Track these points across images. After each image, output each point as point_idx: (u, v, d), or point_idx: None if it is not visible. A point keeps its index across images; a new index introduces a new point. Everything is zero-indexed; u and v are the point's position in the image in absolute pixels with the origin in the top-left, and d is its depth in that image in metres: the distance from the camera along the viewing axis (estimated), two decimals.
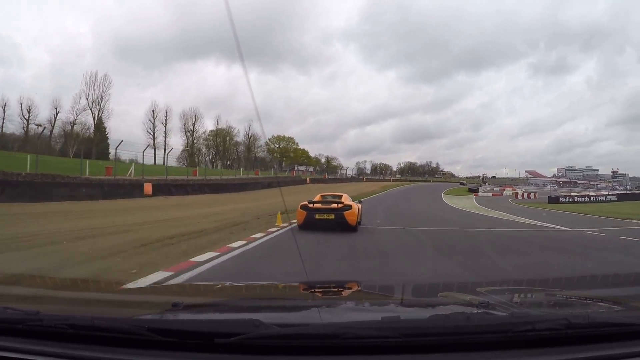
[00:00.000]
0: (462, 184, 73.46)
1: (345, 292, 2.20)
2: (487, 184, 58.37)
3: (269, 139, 78.20)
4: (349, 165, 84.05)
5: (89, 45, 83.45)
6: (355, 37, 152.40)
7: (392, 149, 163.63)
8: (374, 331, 1.07)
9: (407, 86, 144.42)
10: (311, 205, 10.09)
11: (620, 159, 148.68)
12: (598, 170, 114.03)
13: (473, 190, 50.79)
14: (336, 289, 2.27)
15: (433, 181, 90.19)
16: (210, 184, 32.14)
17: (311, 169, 75.93)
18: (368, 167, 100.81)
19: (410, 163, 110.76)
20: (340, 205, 10.15)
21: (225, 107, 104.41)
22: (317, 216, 9.91)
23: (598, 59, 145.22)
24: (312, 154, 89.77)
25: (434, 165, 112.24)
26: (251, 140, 71.98)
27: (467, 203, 31.54)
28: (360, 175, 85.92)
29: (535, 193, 48.20)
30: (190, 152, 65.10)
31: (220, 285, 2.36)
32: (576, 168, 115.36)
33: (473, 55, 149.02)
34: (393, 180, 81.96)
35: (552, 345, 1.07)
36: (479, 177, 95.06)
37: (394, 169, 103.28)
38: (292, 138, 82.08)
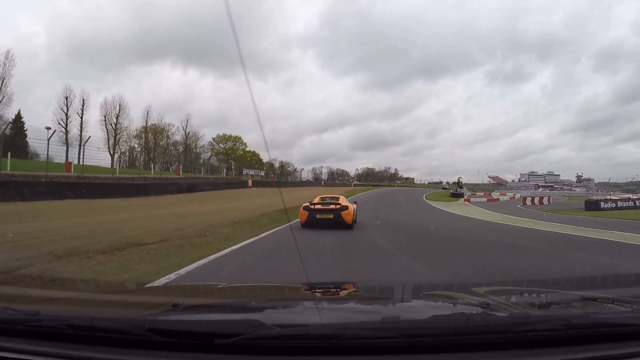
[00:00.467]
0: (445, 188, 70.13)
1: (345, 293, 2.20)
2: (464, 188, 53.95)
3: (213, 138, 67.50)
4: (305, 169, 77.04)
5: (42, 45, 77.52)
6: (313, 43, 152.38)
7: (348, 156, 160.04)
8: (374, 331, 1.07)
9: (365, 93, 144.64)
10: (312, 207, 11.42)
11: (573, 165, 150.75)
12: (559, 175, 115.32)
13: (457, 195, 45.00)
14: (336, 290, 2.27)
15: (398, 186, 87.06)
16: (89, 183, 23.70)
17: (262, 172, 66.83)
18: (325, 173, 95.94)
19: (369, 169, 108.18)
20: (337, 206, 11.43)
21: (181, 112, 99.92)
22: (317, 216, 11.21)
23: (554, 68, 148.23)
24: (266, 159, 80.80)
25: (393, 172, 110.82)
26: (190, 138, 60.76)
27: (474, 211, 24.93)
28: (317, 180, 78.48)
29: (547, 198, 40.91)
30: (113, 149, 50.74)
31: (220, 286, 2.36)
32: (538, 173, 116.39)
33: (431, 62, 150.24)
34: (355, 185, 76.59)
35: (552, 346, 1.07)
36: (441, 182, 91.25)
37: (352, 175, 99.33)
38: (240, 138, 70.64)
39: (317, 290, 2.09)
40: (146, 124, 56.23)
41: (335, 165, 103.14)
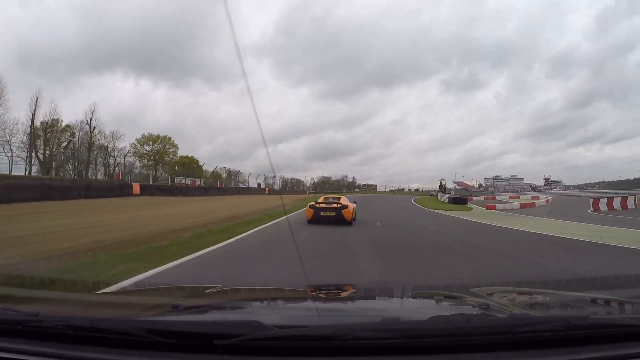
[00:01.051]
0: (432, 194, 66.27)
1: (345, 294, 2.20)
2: (449, 193, 50.60)
3: (137, 139, 51.45)
4: (250, 174, 62.94)
5: None
6: (269, 52, 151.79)
7: (305, 166, 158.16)
8: (373, 332, 1.07)
9: (320, 103, 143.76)
10: (317, 205, 13.38)
11: (526, 170, 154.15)
12: (522, 178, 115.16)
13: (459, 201, 37.54)
14: (336, 291, 2.27)
15: (362, 192, 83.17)
16: None
17: (200, 181, 49.84)
18: (278, 182, 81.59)
19: (325, 177, 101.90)
20: (339, 205, 13.17)
21: (134, 124, 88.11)
22: (322, 213, 12.96)
23: (508, 75, 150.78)
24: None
25: (350, 180, 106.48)
26: (93, 136, 41.25)
27: (553, 225, 15.16)
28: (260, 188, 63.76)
29: (633, 198, 26.42)
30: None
31: (219, 287, 2.35)
32: (502, 177, 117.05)
33: (386, 71, 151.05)
34: (310, 193, 66.83)
35: (552, 347, 1.07)
36: (403, 189, 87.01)
37: (307, 184, 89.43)
38: (170, 138, 54.76)
39: (316, 292, 2.09)
40: (32, 117, 35.74)
41: (291, 176, 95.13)
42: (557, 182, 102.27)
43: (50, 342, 1.12)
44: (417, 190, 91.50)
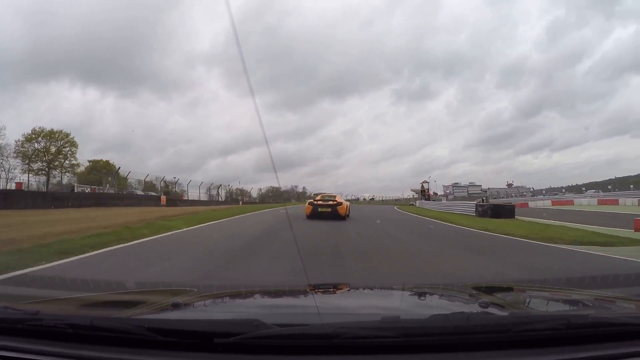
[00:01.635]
0: (412, 204, 59.05)
1: (345, 293, 2.20)
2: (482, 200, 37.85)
3: (24, 135, 38.51)
4: (190, 181, 49.71)
5: None
6: (219, 61, 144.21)
7: (255, 178, 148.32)
8: (374, 331, 1.07)
9: (272, 113, 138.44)
10: (316, 202, 15.75)
11: (476, 178, 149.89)
12: (480, 185, 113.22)
13: (504, 212, 19.48)
14: (336, 290, 2.27)
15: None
16: None
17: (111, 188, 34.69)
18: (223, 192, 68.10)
19: (274, 187, 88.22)
20: (334, 202, 15.66)
21: (82, 134, 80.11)
22: (319, 210, 15.26)
23: (459, 86, 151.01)
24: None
25: (300, 190, 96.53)
26: None
27: None
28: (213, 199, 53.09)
29: None
30: None
31: (220, 285, 2.36)
32: (461, 184, 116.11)
33: (338, 82, 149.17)
34: (244, 203, 54.69)
35: (552, 345, 1.07)
36: (358, 199, 79.76)
37: (254, 194, 78.51)
38: (68, 135, 41.36)
39: (317, 290, 2.09)
40: None
41: (242, 186, 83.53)
42: (522, 186, 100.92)
43: (50, 340, 1.12)
44: (372, 199, 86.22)
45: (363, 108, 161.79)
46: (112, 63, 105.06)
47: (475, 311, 1.36)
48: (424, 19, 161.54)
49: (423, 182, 52.61)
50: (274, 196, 79.51)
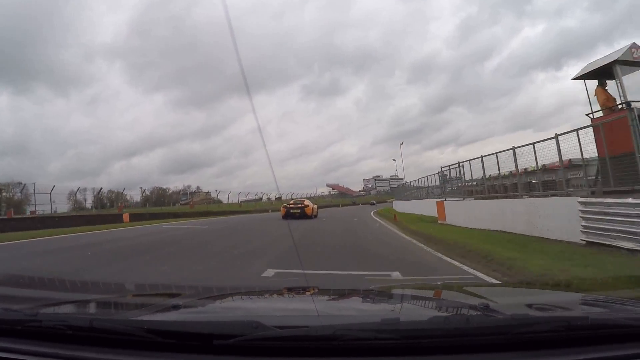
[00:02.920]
0: (372, 203, 61.01)
1: (345, 295, 2.20)
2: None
3: None
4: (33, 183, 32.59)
5: None
6: (122, 54, 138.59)
7: (161, 181, 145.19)
8: (373, 333, 1.07)
9: (177, 111, 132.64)
10: (288, 206, 21.21)
11: (384, 174, 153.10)
12: (402, 179, 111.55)
13: None
14: (335, 291, 2.27)
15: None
16: None
17: None
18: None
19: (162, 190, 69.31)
20: (303, 205, 21.08)
21: None
22: (291, 211, 20.60)
23: (369, 82, 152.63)
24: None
25: (206, 192, 75.82)
26: None
27: None
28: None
29: None
30: None
31: (219, 286, 2.36)
32: (382, 177, 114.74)
33: (246, 77, 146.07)
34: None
35: (552, 347, 1.07)
36: (260, 199, 64.67)
37: (138, 199, 53.98)
38: None
39: (316, 292, 2.09)
40: None
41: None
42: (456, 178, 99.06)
43: (49, 342, 1.12)
44: (278, 198, 65.48)
45: (272, 105, 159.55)
46: (4, 57, 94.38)
47: (475, 313, 1.35)
48: (336, 14, 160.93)
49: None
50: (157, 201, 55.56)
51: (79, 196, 40.83)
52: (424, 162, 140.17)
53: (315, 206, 22.68)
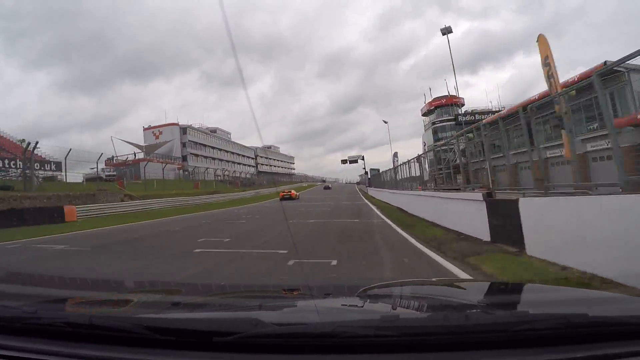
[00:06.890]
0: (328, 187, 58.41)
1: (344, 293, 2.20)
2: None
3: None
4: None
5: None
6: None
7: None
8: (373, 330, 1.07)
9: (62, 95, 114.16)
10: (283, 193, 38.05)
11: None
12: (306, 173, 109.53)
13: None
14: (334, 289, 2.27)
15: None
16: None
17: None
18: None
19: None
20: (289, 192, 38.14)
21: None
22: (284, 196, 36.69)
23: (276, 73, 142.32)
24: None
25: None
26: None
27: None
28: None
29: None
30: None
31: (218, 285, 2.36)
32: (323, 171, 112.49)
33: (141, 59, 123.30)
34: None
35: (551, 345, 1.07)
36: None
37: None
38: None
39: (315, 289, 2.09)
40: None
41: None
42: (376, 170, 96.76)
43: (49, 339, 1.12)
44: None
45: (169, 95, 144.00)
46: None
47: (475, 310, 1.35)
48: None
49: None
50: None
51: None
52: (325, 165, 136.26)
53: (298, 193, 39.68)
